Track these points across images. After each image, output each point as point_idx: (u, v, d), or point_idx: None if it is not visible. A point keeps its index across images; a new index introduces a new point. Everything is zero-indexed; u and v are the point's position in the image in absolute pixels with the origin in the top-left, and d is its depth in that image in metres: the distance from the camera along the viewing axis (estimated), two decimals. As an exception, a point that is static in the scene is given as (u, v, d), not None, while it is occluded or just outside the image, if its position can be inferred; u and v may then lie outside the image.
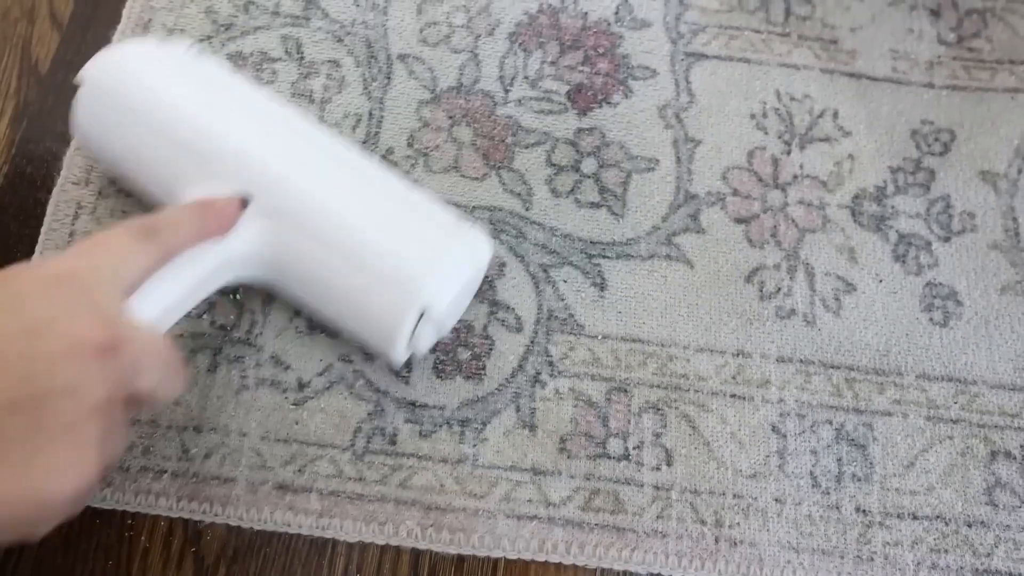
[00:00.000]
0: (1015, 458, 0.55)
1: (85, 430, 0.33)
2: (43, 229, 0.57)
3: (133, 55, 0.53)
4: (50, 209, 0.58)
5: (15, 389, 0.31)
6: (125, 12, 0.65)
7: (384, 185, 0.52)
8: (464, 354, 0.55)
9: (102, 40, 0.64)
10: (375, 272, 0.48)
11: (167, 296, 0.44)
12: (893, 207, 0.61)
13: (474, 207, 0.59)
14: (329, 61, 0.64)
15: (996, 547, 0.52)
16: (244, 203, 0.48)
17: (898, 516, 0.53)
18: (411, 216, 0.51)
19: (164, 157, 0.50)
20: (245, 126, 0.51)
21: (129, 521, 0.51)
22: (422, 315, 0.48)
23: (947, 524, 0.53)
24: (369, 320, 0.49)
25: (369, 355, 0.55)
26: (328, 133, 0.53)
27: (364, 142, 0.61)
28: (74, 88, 0.51)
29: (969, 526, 0.53)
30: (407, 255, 0.48)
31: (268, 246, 0.48)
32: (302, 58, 0.64)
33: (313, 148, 0.52)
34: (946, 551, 0.52)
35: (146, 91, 0.51)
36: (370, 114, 0.62)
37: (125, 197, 0.59)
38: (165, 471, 0.52)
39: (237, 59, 0.63)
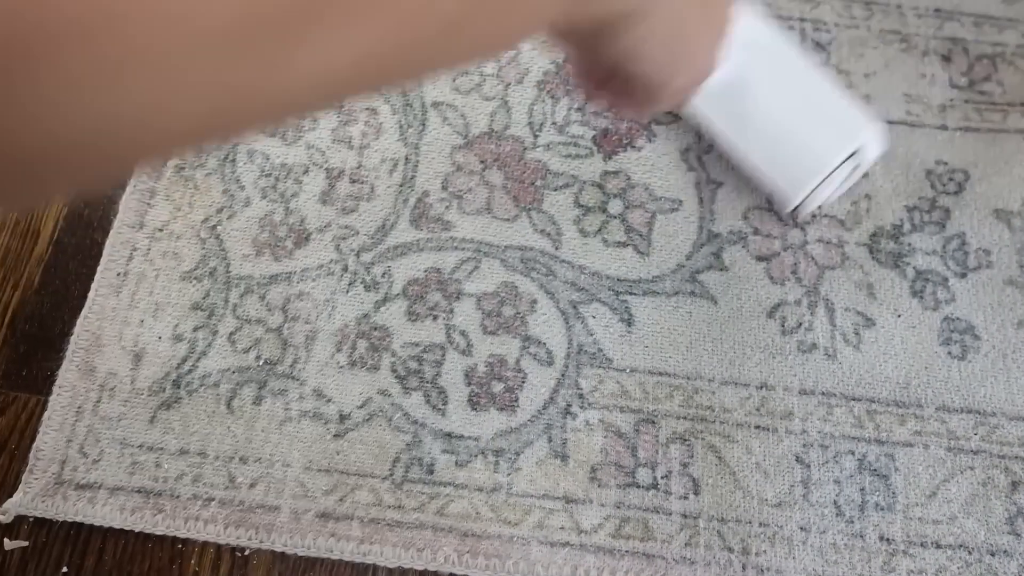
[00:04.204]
0: (1036, 489, 0.56)
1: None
2: (99, 268, 0.61)
3: None
4: (106, 250, 0.62)
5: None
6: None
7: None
8: (497, 387, 0.58)
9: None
10: (837, 99, 0.58)
11: None
12: (910, 244, 0.63)
13: (506, 247, 0.62)
14: (367, 109, 0.68)
15: (1020, 576, 0.54)
16: None
17: (921, 545, 0.54)
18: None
19: None
20: None
21: (180, 546, 0.53)
22: (854, 153, 0.57)
23: (970, 553, 0.54)
24: (814, 135, 0.58)
25: (408, 388, 0.57)
26: None
27: (401, 185, 0.64)
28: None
29: (992, 555, 0.54)
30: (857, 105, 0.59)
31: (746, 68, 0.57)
32: (341, 106, 0.67)
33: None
34: (970, 580, 0.53)
35: None
36: (406, 159, 0.66)
37: (175, 240, 0.62)
38: (213, 499, 0.54)
39: (281, 108, 0.67)
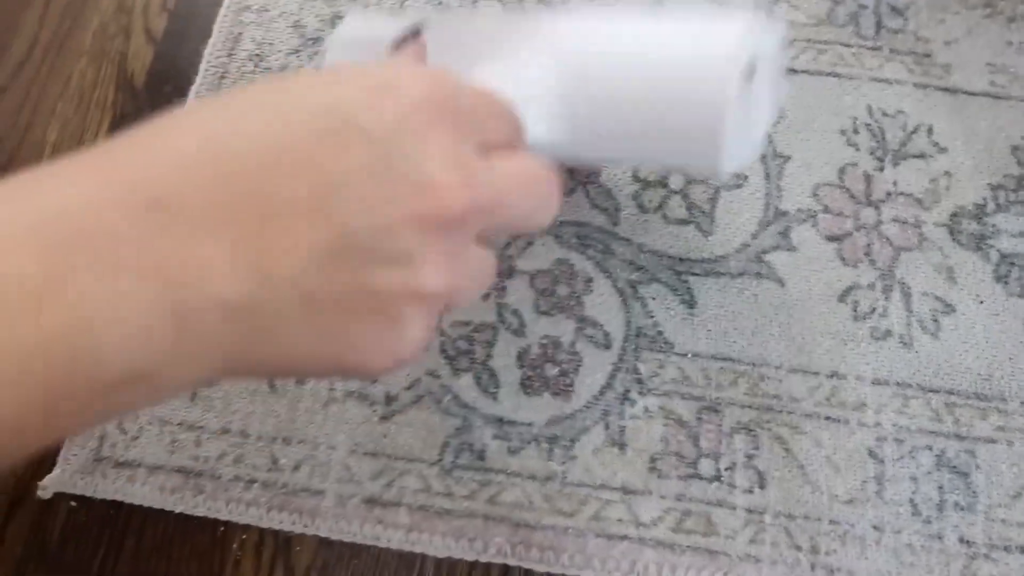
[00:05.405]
0: None
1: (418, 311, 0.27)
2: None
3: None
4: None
5: (338, 240, 0.25)
6: (216, 27, 0.66)
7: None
8: (552, 370, 0.55)
9: (194, 55, 0.65)
10: (679, 48, 0.39)
11: None
12: (994, 226, 0.59)
13: (561, 222, 0.59)
14: (415, 75, 0.64)
15: (1108, 583, 0.50)
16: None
17: (1005, 549, 0.51)
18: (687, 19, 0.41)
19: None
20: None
21: (221, 529, 0.51)
22: (751, 72, 0.38)
23: (1057, 558, 0.50)
24: (686, 98, 0.39)
25: (458, 369, 0.55)
26: None
27: (450, 156, 0.61)
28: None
29: (1081, 561, 0.50)
30: (707, 25, 0.40)
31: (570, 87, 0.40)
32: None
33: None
34: (1056, 586, 0.50)
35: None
36: (455, 128, 0.62)
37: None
38: (255, 481, 0.52)
39: (325, 73, 0.64)
